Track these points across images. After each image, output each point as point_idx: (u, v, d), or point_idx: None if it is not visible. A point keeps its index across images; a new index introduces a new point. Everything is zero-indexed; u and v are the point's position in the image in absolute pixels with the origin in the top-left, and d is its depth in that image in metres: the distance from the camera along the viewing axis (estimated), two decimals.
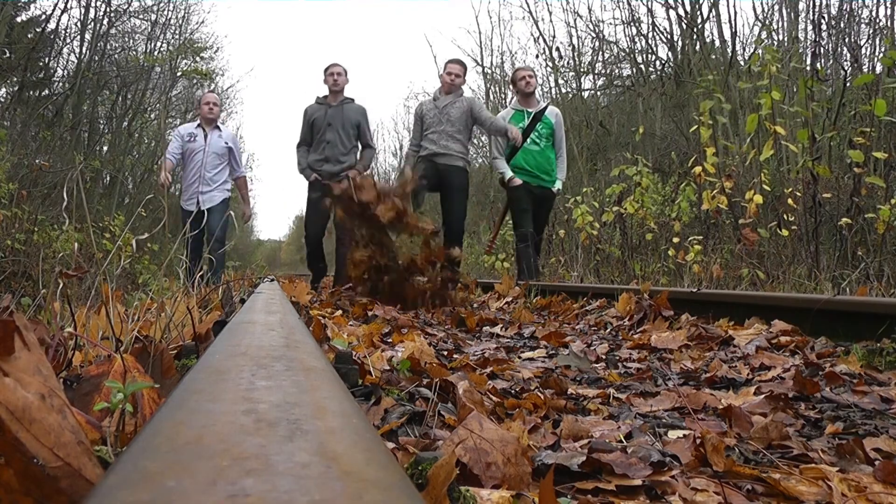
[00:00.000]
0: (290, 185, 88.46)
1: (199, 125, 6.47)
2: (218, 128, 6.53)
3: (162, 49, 14.67)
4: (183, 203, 6.48)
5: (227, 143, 6.51)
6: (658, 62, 12.83)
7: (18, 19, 10.91)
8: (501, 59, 15.70)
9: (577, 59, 10.83)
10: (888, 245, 4.83)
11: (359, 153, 6.33)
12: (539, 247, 6.44)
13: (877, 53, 8.53)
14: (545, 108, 6.15)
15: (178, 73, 15.67)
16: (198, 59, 16.03)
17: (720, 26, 11.24)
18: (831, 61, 8.36)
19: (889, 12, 8.47)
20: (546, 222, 6.52)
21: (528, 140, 5.99)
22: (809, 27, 8.79)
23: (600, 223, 7.91)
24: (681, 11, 11.98)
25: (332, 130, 6.16)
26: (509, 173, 6.04)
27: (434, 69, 25.26)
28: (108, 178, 12.40)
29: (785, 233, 5.22)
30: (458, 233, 5.78)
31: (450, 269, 4.52)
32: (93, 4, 12.06)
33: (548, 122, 6.11)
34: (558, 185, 6.23)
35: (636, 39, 13.40)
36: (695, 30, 11.61)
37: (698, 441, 1.01)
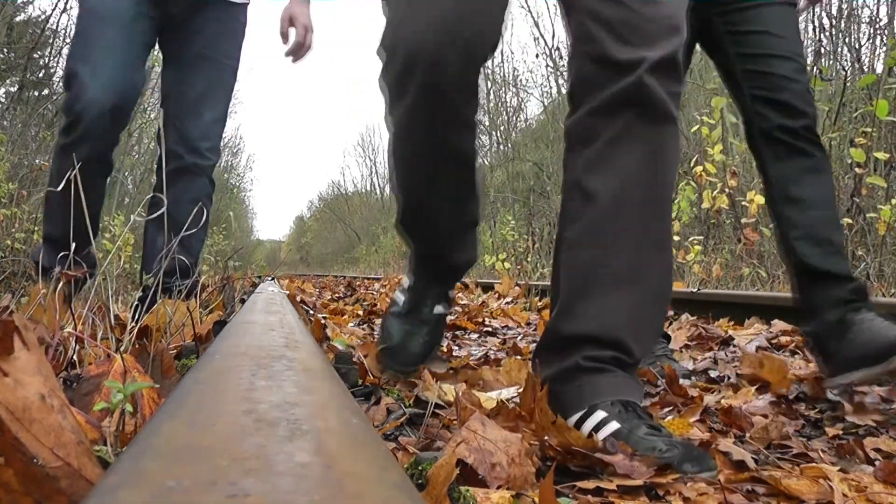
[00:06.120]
0: (290, 184, 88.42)
1: None
2: None
3: None
4: None
5: None
6: None
7: (17, 19, 10.91)
8: (502, 58, 15.69)
9: None
10: (888, 245, 4.83)
11: None
12: None
13: (877, 53, 8.52)
14: None
15: None
16: None
17: None
18: (832, 61, 8.34)
19: (890, 12, 8.46)
20: None
21: None
22: (810, 27, 8.77)
23: None
24: None
25: None
26: None
27: None
28: (107, 178, 12.39)
29: None
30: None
31: None
32: None
33: None
34: None
35: None
36: None
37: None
